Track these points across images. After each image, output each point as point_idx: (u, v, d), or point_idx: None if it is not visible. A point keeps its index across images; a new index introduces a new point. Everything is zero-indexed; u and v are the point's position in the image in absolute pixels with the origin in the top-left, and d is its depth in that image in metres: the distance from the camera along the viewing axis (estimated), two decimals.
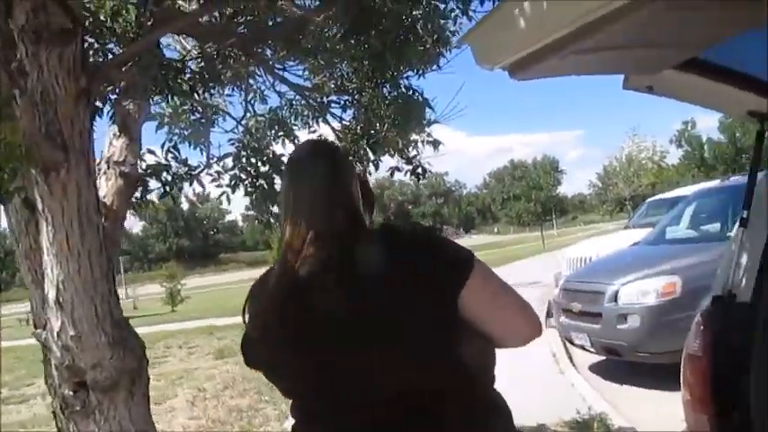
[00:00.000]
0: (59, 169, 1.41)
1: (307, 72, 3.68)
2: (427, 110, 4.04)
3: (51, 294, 1.47)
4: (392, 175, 3.86)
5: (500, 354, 1.39)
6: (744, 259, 2.28)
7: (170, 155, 2.40)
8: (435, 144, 4.05)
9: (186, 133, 2.76)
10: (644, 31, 1.67)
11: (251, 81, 3.21)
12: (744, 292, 2.20)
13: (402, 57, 3.12)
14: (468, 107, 4.25)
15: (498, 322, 1.34)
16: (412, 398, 1.28)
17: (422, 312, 1.25)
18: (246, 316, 1.35)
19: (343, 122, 3.86)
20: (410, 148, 4.22)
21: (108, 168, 1.89)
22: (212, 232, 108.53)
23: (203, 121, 2.78)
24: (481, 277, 1.31)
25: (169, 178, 2.26)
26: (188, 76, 2.64)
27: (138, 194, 2.59)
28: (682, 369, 2.11)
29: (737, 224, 2.30)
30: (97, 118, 2.25)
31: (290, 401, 1.37)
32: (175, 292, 19.05)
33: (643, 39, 1.76)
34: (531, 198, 41.65)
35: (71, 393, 1.52)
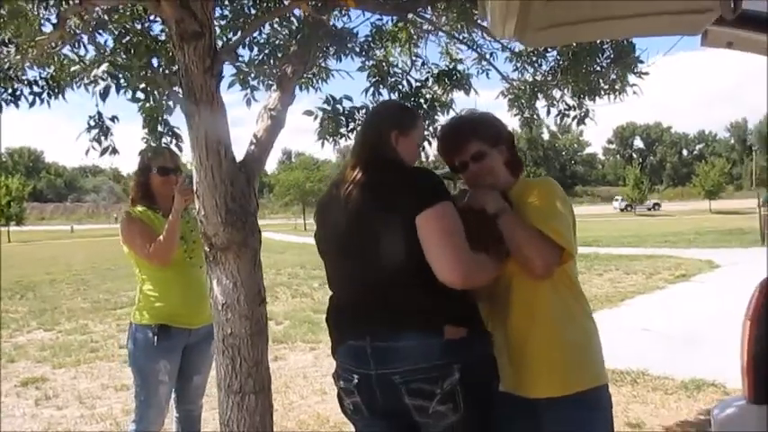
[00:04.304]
0: (194, 115, 2.41)
1: None
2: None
3: (194, 188, 2.52)
4: (561, 120, 4.09)
5: None
6: None
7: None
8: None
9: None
10: None
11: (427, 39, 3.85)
12: None
13: None
14: None
15: (430, 254, 1.93)
16: (393, 280, 1.97)
17: (395, 223, 1.95)
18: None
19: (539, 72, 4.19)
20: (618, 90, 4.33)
21: (264, 112, 2.84)
22: (571, 163, 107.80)
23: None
24: (437, 214, 1.94)
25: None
26: (362, 39, 3.50)
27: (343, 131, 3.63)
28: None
29: None
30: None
31: None
32: None
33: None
34: None
35: (207, 249, 2.57)
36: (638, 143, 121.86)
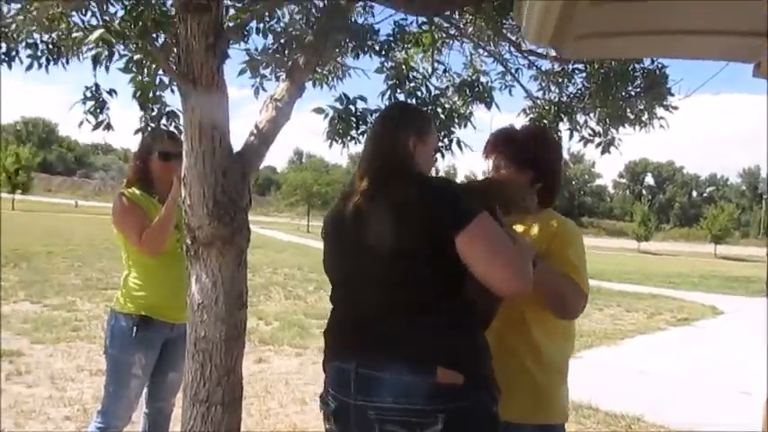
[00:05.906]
0: (190, 95, 2.20)
1: None
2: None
3: (183, 175, 2.31)
4: (585, 145, 3.88)
5: None
6: None
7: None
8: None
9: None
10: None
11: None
12: None
13: None
14: None
15: (486, 269, 1.71)
16: (400, 308, 1.77)
17: (418, 245, 1.74)
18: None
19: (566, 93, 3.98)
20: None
21: (269, 102, 2.64)
22: (580, 194, 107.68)
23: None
24: (479, 229, 1.73)
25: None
26: (383, 38, 3.29)
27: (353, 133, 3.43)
28: None
29: None
30: None
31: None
32: None
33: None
34: None
35: (189, 242, 2.36)
36: (649, 180, 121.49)
